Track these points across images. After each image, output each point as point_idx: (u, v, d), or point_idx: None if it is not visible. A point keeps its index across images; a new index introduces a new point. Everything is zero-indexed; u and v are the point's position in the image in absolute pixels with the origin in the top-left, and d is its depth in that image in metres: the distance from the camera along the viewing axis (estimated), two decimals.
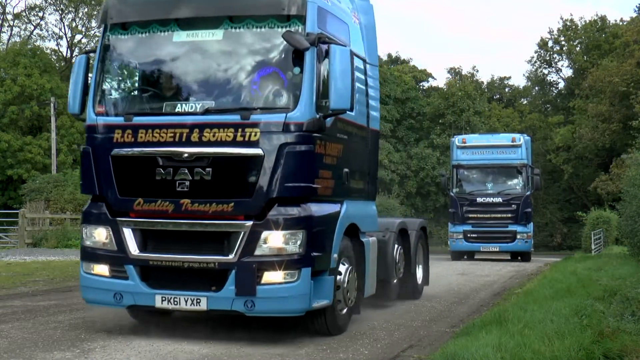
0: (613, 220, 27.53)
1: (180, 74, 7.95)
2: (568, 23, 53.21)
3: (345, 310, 8.24)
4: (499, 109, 53.49)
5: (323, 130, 7.53)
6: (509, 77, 68.97)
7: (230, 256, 7.30)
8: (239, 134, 7.29)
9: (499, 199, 24.35)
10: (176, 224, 7.55)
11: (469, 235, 24.52)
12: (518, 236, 24.06)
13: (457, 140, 25.63)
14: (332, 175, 7.91)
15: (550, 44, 54.23)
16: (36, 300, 11.00)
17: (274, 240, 7.26)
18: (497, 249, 24.56)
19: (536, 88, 57.44)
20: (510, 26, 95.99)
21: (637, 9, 46.91)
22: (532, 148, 27.61)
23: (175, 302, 7.44)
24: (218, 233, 7.43)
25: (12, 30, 50.44)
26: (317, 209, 7.57)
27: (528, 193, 24.46)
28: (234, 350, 7.24)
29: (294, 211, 7.32)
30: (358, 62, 8.67)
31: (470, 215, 24.54)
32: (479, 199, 24.56)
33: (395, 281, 10.53)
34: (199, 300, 7.37)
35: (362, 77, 8.93)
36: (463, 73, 56.55)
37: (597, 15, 53.49)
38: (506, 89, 59.53)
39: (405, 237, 11.15)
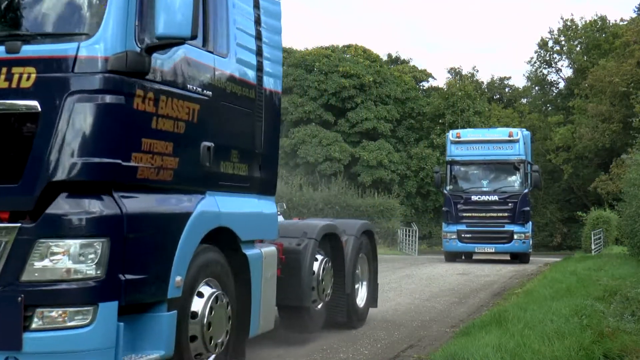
0: (613, 220, 27.57)
1: None
2: (568, 23, 53.27)
3: None
4: (499, 109, 53.53)
5: (146, 73, 4.75)
6: (509, 77, 69.16)
7: None
8: (2, 77, 4.58)
9: (495, 197, 22.78)
10: None
11: (463, 235, 22.95)
12: (515, 236, 22.55)
13: (451, 134, 24.17)
14: (175, 150, 5.08)
15: (550, 43, 54.31)
16: None
17: (54, 255, 4.41)
18: (493, 250, 23.13)
19: (536, 88, 57.50)
20: (511, 26, 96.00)
21: (637, 9, 46.96)
22: (531, 143, 26.29)
23: None
24: None
25: None
26: (140, 203, 4.79)
27: (526, 191, 22.89)
28: None
29: (92, 206, 4.53)
30: None
31: (465, 214, 23.01)
32: (474, 197, 22.96)
33: (319, 306, 7.90)
34: None
35: (249, 9, 6.24)
36: (463, 73, 56.62)
37: (597, 15, 53.65)
38: (506, 89, 59.59)
39: (336, 246, 8.30)
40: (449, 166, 23.61)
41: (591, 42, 51.70)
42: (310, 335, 7.92)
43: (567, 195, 51.18)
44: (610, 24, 51.86)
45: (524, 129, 26.07)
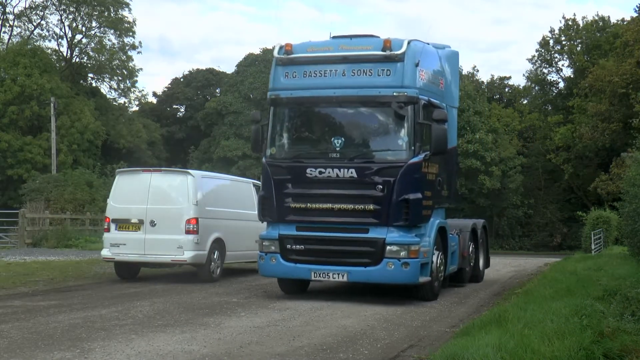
0: (613, 220, 27.57)
1: None
2: (570, 22, 53.29)
3: None
4: (499, 109, 53.53)
5: None
6: (509, 77, 69.16)
7: None
8: None
9: (352, 172, 11.01)
10: None
11: (289, 247, 11.43)
12: (389, 251, 10.86)
13: (277, 49, 11.83)
14: None
15: (551, 43, 54.33)
16: (36, 300, 11.00)
17: None
18: (345, 279, 11.14)
19: (536, 88, 57.52)
20: (511, 26, 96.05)
21: (637, 9, 46.93)
22: (452, 64, 13.42)
23: None
24: None
25: (12, 30, 50.50)
26: None
27: (416, 159, 10.99)
28: (234, 350, 7.24)
29: None
30: None
31: (294, 206, 11.37)
32: (310, 172, 11.23)
33: None
34: None
35: None
36: (463, 73, 56.60)
37: (597, 15, 53.67)
38: (506, 89, 59.58)
39: None
40: (271, 109, 11.88)
41: (592, 42, 51.75)
42: (310, 335, 7.92)
43: (567, 195, 51.22)
44: (611, 24, 51.93)
45: (445, 45, 13.43)
